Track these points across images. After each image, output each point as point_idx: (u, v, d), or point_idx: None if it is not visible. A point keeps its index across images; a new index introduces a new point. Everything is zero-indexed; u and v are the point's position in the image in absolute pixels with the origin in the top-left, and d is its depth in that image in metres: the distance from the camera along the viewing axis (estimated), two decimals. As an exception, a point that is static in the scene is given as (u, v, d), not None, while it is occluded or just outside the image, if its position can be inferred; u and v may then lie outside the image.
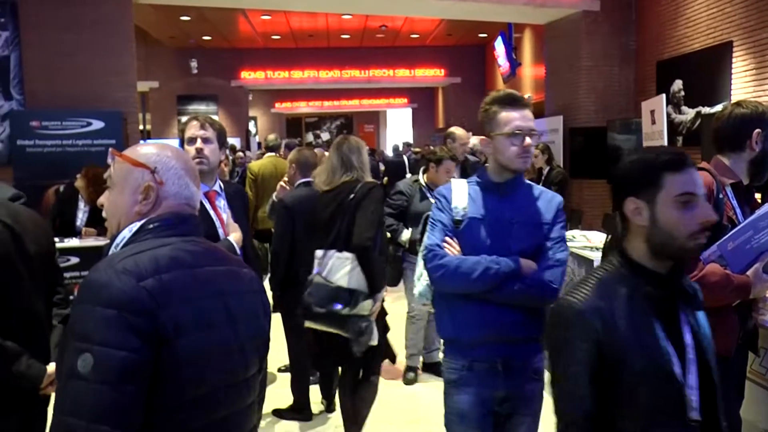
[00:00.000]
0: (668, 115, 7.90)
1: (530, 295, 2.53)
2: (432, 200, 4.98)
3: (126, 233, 1.65)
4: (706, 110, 7.97)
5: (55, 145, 7.45)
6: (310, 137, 28.19)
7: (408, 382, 5.43)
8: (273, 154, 7.55)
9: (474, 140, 7.59)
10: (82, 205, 6.32)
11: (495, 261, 2.51)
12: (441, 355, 5.39)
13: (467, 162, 6.57)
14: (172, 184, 1.70)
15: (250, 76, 20.55)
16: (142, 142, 9.17)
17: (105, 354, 1.41)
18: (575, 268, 5.04)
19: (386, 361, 4.32)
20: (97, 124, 7.65)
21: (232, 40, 19.09)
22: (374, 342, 3.79)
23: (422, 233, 2.93)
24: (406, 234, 5.15)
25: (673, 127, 8.15)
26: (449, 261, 2.55)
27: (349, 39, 19.70)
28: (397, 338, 5.38)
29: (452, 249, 2.58)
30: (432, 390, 5.15)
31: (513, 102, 2.67)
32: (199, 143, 3.09)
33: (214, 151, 3.12)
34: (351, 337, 3.69)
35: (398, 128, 28.26)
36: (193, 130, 3.13)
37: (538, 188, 2.75)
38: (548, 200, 2.70)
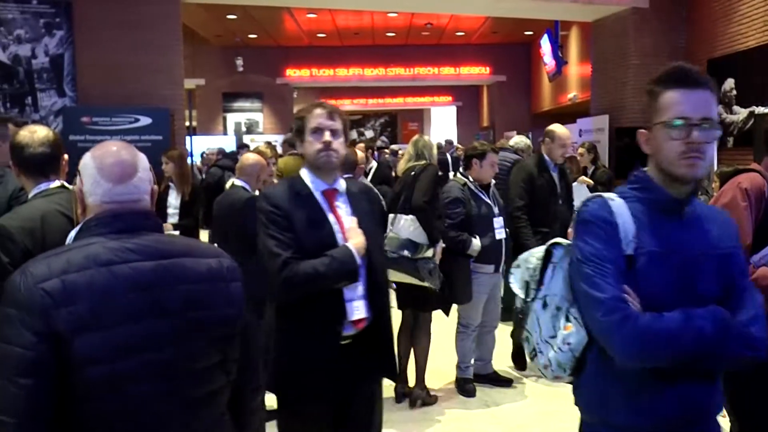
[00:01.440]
0: (719, 115, 7.73)
1: (741, 358, 1.88)
2: (489, 201, 4.94)
3: (72, 236, 1.76)
4: (759, 110, 7.77)
5: (104, 140, 7.61)
6: (354, 135, 28.27)
7: (467, 393, 5.12)
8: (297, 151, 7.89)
9: (516, 138, 7.51)
10: None
11: (702, 316, 1.83)
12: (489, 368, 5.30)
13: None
14: (89, 184, 1.75)
15: (295, 74, 20.69)
16: (187, 138, 9.31)
17: (4, 350, 1.51)
18: None
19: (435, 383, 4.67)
20: (145, 121, 7.79)
21: (278, 38, 19.24)
22: (435, 285, 4.60)
23: (510, 261, 2.88)
24: (476, 243, 4.83)
25: (723, 127, 7.96)
26: (648, 324, 1.80)
27: (395, 37, 19.70)
28: (440, 350, 5.33)
29: (634, 302, 1.85)
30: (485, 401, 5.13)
31: (684, 78, 1.92)
32: (327, 136, 2.69)
33: (342, 144, 2.75)
34: (424, 276, 4.54)
35: (442, 126, 28.16)
36: (320, 119, 2.72)
37: (700, 203, 2.08)
38: (723, 219, 2.07)
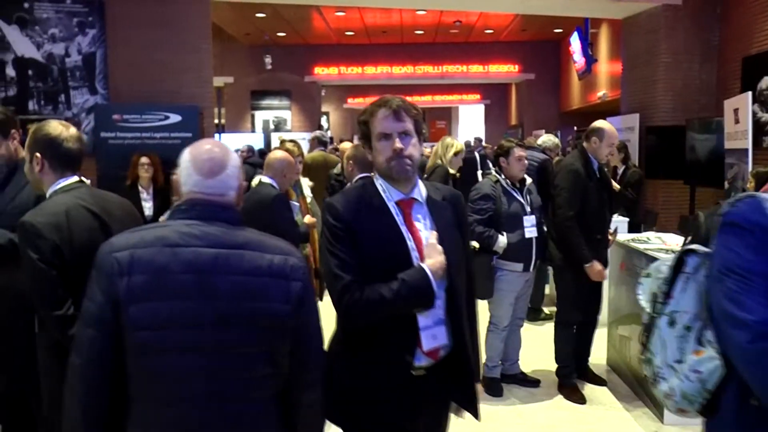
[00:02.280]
0: (753, 113, 7.58)
1: None
2: (521, 198, 4.86)
3: (164, 217, 2.10)
4: (793, 109, 7.62)
5: (134, 138, 7.69)
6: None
7: (494, 392, 5.06)
8: (323, 148, 8.79)
9: (544, 137, 7.46)
10: (145, 194, 6.49)
11: None
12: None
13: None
14: (183, 176, 1.95)
15: (323, 72, 20.75)
16: (216, 135, 9.38)
17: (85, 302, 1.83)
18: (634, 263, 4.91)
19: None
20: (175, 118, 7.85)
21: (306, 36, 19.30)
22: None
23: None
24: (503, 240, 4.77)
25: (758, 127, 7.83)
26: None
27: (423, 35, 19.66)
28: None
29: None
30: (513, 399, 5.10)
31: None
32: (397, 143, 2.30)
33: (416, 146, 2.35)
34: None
35: (470, 124, 28.07)
36: (386, 123, 2.32)
37: None
38: None
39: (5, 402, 3.15)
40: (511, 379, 5.26)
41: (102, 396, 1.80)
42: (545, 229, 5.09)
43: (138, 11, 8.20)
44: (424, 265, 2.22)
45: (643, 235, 5.70)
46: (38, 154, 2.70)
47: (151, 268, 1.78)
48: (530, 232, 4.87)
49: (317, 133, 9.10)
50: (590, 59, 14.70)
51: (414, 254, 2.27)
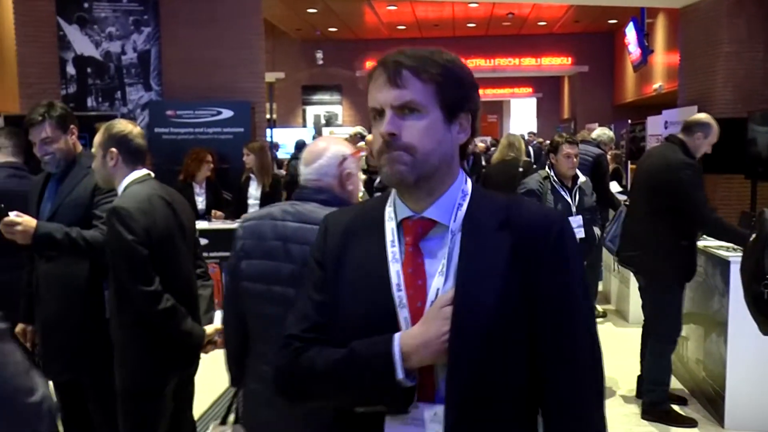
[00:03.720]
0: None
1: None
2: (568, 198, 4.73)
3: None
4: None
5: (188, 133, 7.81)
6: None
7: None
8: (363, 143, 8.64)
9: (598, 131, 7.29)
10: (198, 188, 6.58)
11: None
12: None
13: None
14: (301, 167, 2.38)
15: (374, 66, 20.74)
16: (268, 130, 9.46)
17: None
18: (709, 269, 4.69)
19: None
20: (227, 113, 7.95)
21: (357, 31, 19.34)
22: None
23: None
24: None
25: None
26: None
27: (475, 28, 19.51)
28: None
29: None
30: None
31: None
32: (385, 125, 1.39)
33: (430, 129, 1.40)
34: None
35: (522, 118, 27.77)
36: (376, 91, 1.44)
37: None
38: None
39: (59, 390, 3.25)
40: None
41: (238, 331, 2.31)
42: (597, 231, 4.93)
43: (191, 9, 8.32)
44: (396, 337, 1.35)
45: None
46: (114, 150, 2.87)
47: (255, 234, 2.28)
48: (576, 233, 4.60)
49: (358, 128, 9.15)
50: (646, 50, 14.37)
51: (403, 314, 1.37)
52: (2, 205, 2.95)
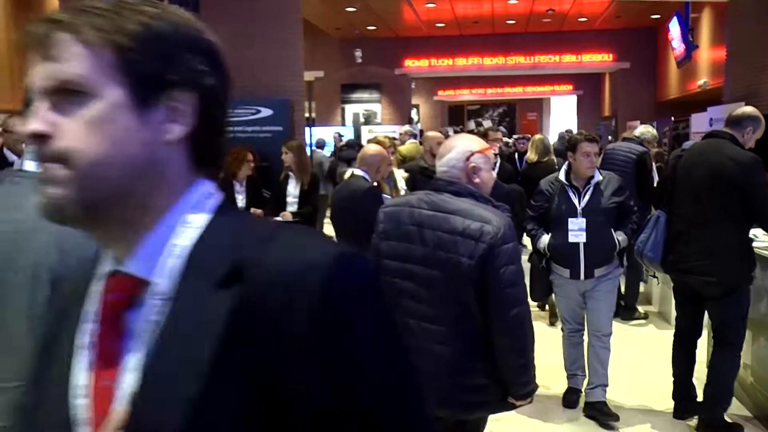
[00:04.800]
0: None
1: None
2: (573, 198, 4.34)
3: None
4: None
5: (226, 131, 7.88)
6: (471, 125, 28.05)
7: (569, 404, 4.66)
8: (414, 140, 9.18)
9: (641, 128, 7.15)
10: (238, 186, 6.62)
11: None
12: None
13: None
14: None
15: (413, 64, 20.74)
16: (306, 128, 9.50)
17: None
18: (757, 271, 4.44)
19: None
20: (266, 112, 8.00)
21: (396, 29, 19.32)
22: None
23: None
24: (544, 239, 4.45)
25: None
26: None
27: (515, 24, 19.36)
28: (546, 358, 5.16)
29: None
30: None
31: None
32: (30, 122, 0.85)
33: (101, 124, 0.86)
34: None
35: (562, 116, 27.47)
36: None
37: None
38: None
39: None
40: (590, 408, 4.53)
41: None
42: (618, 237, 4.39)
43: (230, 8, 8.38)
44: None
45: (751, 233, 5.34)
46: None
47: (394, 219, 2.67)
48: (575, 236, 4.32)
49: (406, 127, 9.30)
50: (690, 45, 14.09)
51: (79, 401, 0.84)
52: None
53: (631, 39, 19.87)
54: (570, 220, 4.33)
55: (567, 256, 4.38)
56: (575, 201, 4.39)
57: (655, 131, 7.20)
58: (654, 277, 6.65)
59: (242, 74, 8.33)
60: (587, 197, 4.38)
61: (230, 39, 8.29)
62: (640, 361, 5.39)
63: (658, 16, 17.80)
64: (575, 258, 4.35)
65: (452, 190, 2.61)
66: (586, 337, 4.61)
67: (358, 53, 19.88)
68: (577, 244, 4.32)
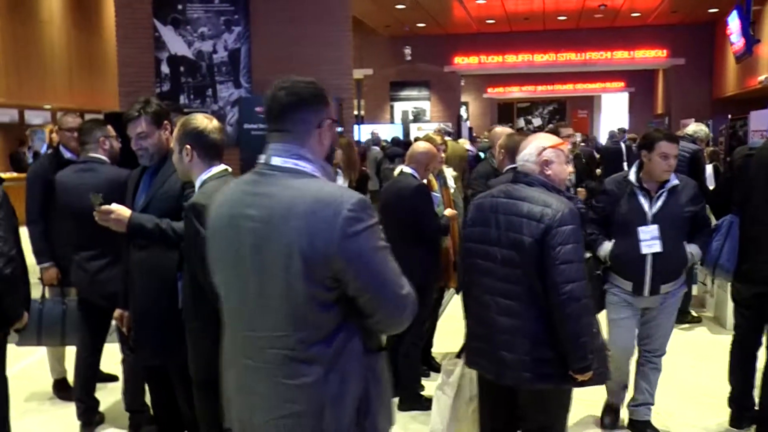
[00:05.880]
0: None
1: None
2: (644, 204, 3.81)
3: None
4: None
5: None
6: (521, 123, 27.78)
7: (604, 427, 4.26)
8: (449, 138, 9.19)
9: (694, 126, 6.97)
10: None
11: None
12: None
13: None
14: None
15: (463, 62, 20.65)
16: (355, 126, 9.52)
17: None
18: None
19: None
20: (315, 110, 8.05)
21: (446, 26, 19.26)
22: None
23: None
24: (606, 247, 3.92)
25: None
26: None
27: (566, 20, 19.12)
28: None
29: None
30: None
31: None
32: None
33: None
34: None
35: (613, 114, 27.02)
36: None
37: None
38: None
39: (151, 375, 3.39)
40: (634, 428, 4.17)
41: (462, 284, 3.24)
42: (691, 250, 3.96)
43: (280, 7, 8.47)
44: None
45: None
46: (188, 146, 2.88)
47: (478, 208, 3.05)
48: (648, 246, 3.79)
49: (441, 125, 9.36)
50: (751, 40, 13.71)
51: None
52: (101, 195, 3.14)
53: (686, 34, 19.43)
54: (640, 228, 3.81)
55: (632, 267, 3.86)
56: (645, 206, 3.86)
57: (707, 130, 7.00)
58: (705, 284, 6.40)
59: (292, 72, 8.36)
60: (660, 202, 3.85)
61: (280, 38, 8.38)
62: (693, 367, 5.24)
63: (716, 10, 17.37)
64: (641, 270, 3.84)
65: (526, 180, 2.96)
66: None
67: (408, 50, 19.87)
68: (645, 255, 3.81)
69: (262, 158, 1.99)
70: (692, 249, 3.90)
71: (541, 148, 2.98)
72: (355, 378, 1.92)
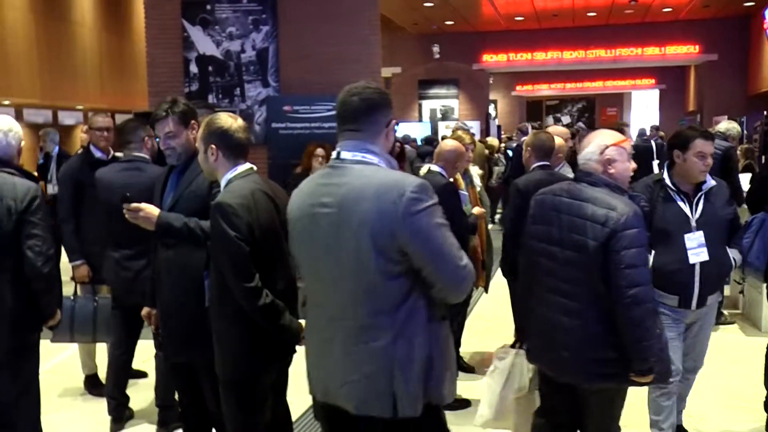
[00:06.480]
0: None
1: None
2: (685, 209, 3.50)
3: None
4: None
5: (304, 128, 7.97)
6: (550, 121, 27.57)
7: None
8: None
9: (726, 124, 6.82)
10: None
11: None
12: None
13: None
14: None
15: (491, 59, 20.55)
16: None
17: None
18: None
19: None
20: (343, 108, 8.07)
21: (474, 24, 19.18)
22: None
23: None
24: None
25: None
26: None
27: (595, 17, 18.94)
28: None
29: None
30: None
31: None
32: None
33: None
34: None
35: (643, 111, 26.69)
36: None
37: None
38: None
39: (177, 372, 3.40)
40: None
41: (524, 277, 3.18)
42: (734, 255, 3.76)
43: (308, 6, 8.49)
44: None
45: None
46: (213, 146, 2.89)
47: (540, 205, 3.01)
48: (696, 254, 3.48)
49: (458, 123, 9.28)
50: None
51: None
52: (128, 194, 3.17)
53: (719, 29, 19.10)
54: (687, 236, 3.49)
55: (679, 279, 3.52)
56: (687, 211, 3.54)
57: (739, 128, 6.86)
58: (739, 282, 6.24)
59: (320, 71, 8.40)
60: (701, 207, 3.56)
61: (308, 37, 8.40)
62: (726, 369, 5.12)
63: (751, 4, 17.06)
64: (690, 282, 3.52)
65: (589, 180, 2.88)
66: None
67: (436, 48, 19.83)
68: (693, 265, 3.49)
69: (333, 154, 2.26)
70: (734, 254, 3.71)
71: (603, 146, 2.88)
72: (421, 344, 2.15)
